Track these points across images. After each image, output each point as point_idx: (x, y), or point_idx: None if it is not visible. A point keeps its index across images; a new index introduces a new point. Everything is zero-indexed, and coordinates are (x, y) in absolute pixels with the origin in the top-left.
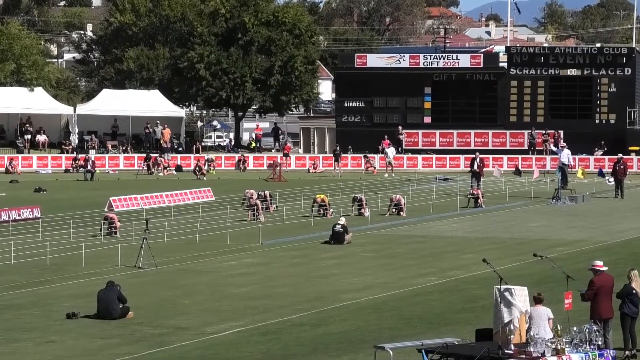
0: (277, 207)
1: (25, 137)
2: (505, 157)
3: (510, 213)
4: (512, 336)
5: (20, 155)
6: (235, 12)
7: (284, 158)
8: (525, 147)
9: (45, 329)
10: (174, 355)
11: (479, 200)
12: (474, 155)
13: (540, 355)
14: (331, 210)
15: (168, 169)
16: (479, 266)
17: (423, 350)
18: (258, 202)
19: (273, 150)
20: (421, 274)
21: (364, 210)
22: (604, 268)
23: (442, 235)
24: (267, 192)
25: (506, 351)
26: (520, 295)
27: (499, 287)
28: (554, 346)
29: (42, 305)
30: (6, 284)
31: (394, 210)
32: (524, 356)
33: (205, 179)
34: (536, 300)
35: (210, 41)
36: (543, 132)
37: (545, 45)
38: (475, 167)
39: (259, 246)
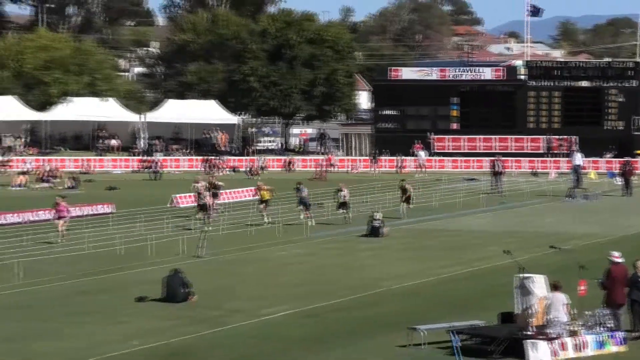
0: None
1: (100, 141)
2: (524, 159)
3: (529, 210)
4: (531, 319)
5: (95, 158)
6: (282, 30)
7: (329, 166)
8: (543, 150)
9: (118, 311)
10: (232, 335)
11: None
12: (495, 158)
13: (557, 336)
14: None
15: (224, 169)
16: (501, 257)
17: (452, 331)
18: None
19: (317, 154)
20: (450, 264)
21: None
22: (621, 260)
23: (469, 230)
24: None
25: (526, 332)
26: (539, 283)
27: (519, 275)
28: (569, 328)
29: (115, 290)
30: (82, 271)
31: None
32: (542, 337)
33: (257, 178)
34: (554, 287)
35: (261, 56)
36: (558, 137)
37: (560, 59)
38: (496, 168)
39: (305, 239)
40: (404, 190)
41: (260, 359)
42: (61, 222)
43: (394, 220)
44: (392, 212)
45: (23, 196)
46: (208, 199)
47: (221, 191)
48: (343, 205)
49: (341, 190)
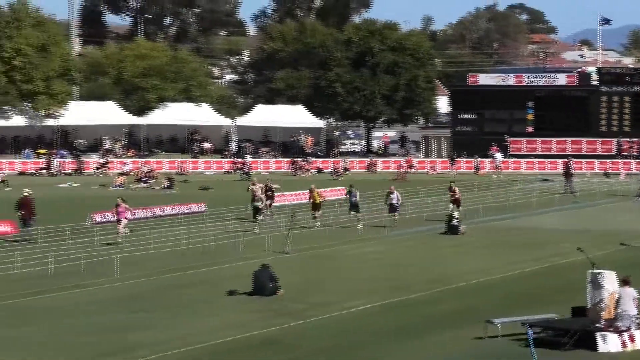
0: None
1: (194, 144)
2: (596, 161)
3: (600, 209)
4: (602, 312)
5: (189, 159)
6: (366, 39)
7: (409, 168)
8: (614, 152)
9: (211, 303)
10: (317, 327)
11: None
12: (567, 160)
13: (626, 328)
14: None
15: (310, 170)
16: (574, 254)
17: (527, 325)
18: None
19: (397, 155)
20: (525, 260)
21: None
22: None
23: (543, 228)
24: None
25: (597, 325)
26: (610, 278)
27: (591, 271)
28: (638, 321)
29: (207, 284)
30: (178, 266)
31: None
32: (612, 329)
33: (341, 179)
34: (624, 282)
35: (345, 64)
36: (628, 140)
37: (631, 66)
38: (569, 169)
39: (387, 236)
40: (453, 192)
41: (344, 350)
42: (122, 223)
43: (472, 219)
44: (471, 211)
45: (122, 196)
46: (264, 201)
47: (276, 194)
48: (392, 208)
49: (392, 193)
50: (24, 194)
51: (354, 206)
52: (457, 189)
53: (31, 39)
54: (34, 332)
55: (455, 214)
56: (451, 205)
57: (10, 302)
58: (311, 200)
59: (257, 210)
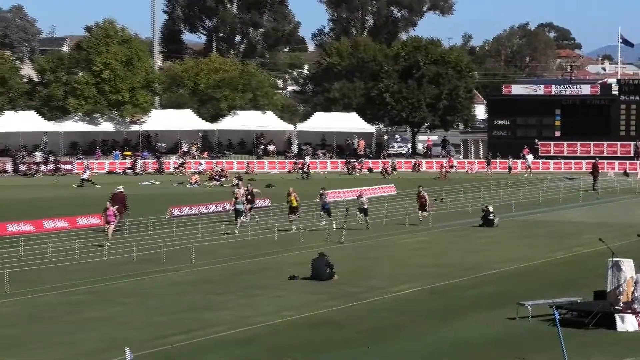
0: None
1: (260, 147)
2: (616, 162)
3: (620, 204)
4: (621, 296)
5: (256, 160)
6: (412, 54)
7: (450, 168)
8: (632, 154)
9: (275, 287)
10: (368, 308)
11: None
12: (593, 161)
13: None
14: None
15: (361, 170)
16: (596, 244)
17: (554, 307)
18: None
19: (440, 157)
20: (553, 249)
21: None
22: None
23: (569, 221)
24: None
25: (616, 307)
26: (628, 266)
27: (611, 259)
28: None
29: (272, 270)
30: (246, 254)
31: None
32: (630, 311)
33: (390, 177)
34: None
35: (394, 76)
36: None
37: None
38: (595, 169)
39: (429, 228)
40: (421, 197)
41: (392, 329)
42: (110, 226)
43: (504, 213)
44: (504, 206)
45: (197, 192)
46: (245, 205)
47: (257, 198)
48: (363, 211)
49: (361, 197)
50: (118, 190)
51: (325, 209)
52: (425, 194)
53: (118, 55)
54: (122, 312)
55: (491, 209)
56: (420, 211)
57: (101, 285)
58: (288, 204)
59: (238, 213)
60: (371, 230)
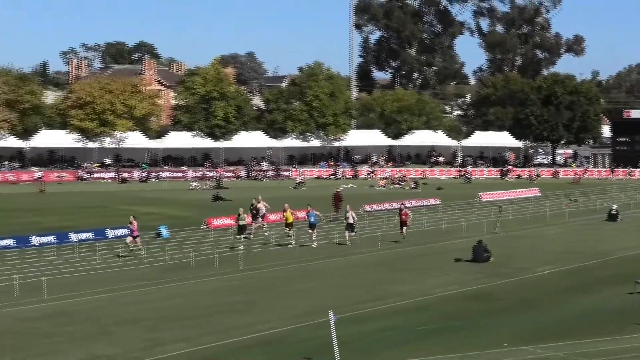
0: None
1: (431, 158)
2: None
3: None
4: None
5: (428, 169)
6: (552, 86)
7: (582, 174)
8: None
9: (440, 267)
10: (516, 284)
11: None
12: None
13: None
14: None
15: (512, 177)
16: None
17: None
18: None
19: (573, 165)
20: None
21: None
22: None
23: None
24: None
25: None
26: None
27: None
28: None
29: (441, 254)
30: (421, 242)
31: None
32: None
33: (534, 182)
34: None
35: (537, 103)
36: None
37: None
38: None
39: (565, 222)
40: (403, 214)
41: (533, 302)
42: (133, 239)
43: (625, 210)
44: (625, 205)
45: (383, 193)
46: (246, 219)
47: (264, 212)
48: (350, 226)
49: (347, 213)
50: (338, 190)
51: (311, 225)
52: (408, 212)
53: (324, 89)
54: (319, 285)
55: (615, 207)
56: (401, 227)
57: (303, 264)
58: (285, 220)
59: (241, 228)
60: (519, 222)
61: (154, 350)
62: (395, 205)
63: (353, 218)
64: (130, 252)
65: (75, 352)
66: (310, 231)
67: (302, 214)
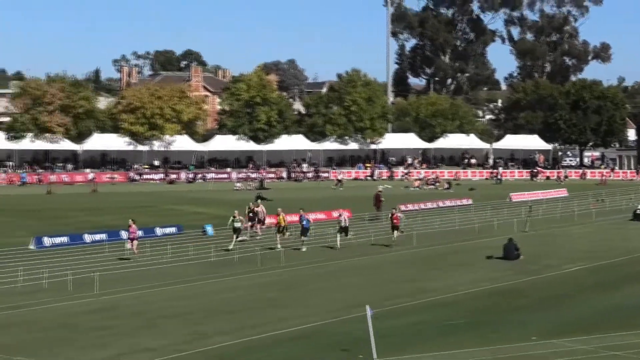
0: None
1: (464, 160)
2: None
3: None
4: None
5: (461, 170)
6: (580, 91)
7: (608, 175)
8: None
9: (472, 264)
10: (545, 281)
11: None
12: None
13: None
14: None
15: (542, 178)
16: None
17: None
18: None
19: (602, 167)
20: None
21: None
22: None
23: None
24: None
25: None
26: None
27: None
28: None
29: (472, 252)
30: (453, 240)
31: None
32: None
33: (562, 183)
34: None
35: (565, 107)
36: None
37: None
38: None
39: (592, 221)
40: (394, 218)
41: (561, 298)
42: (134, 243)
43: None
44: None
45: (418, 193)
46: (244, 222)
47: (260, 217)
48: (344, 230)
49: (341, 215)
50: (378, 190)
51: (304, 230)
52: (399, 215)
53: (361, 94)
54: (355, 281)
55: (639, 206)
56: (393, 232)
57: (340, 262)
58: (277, 225)
59: (235, 230)
60: (548, 222)
61: (196, 343)
62: (430, 205)
63: (345, 221)
64: (170, 251)
65: (120, 344)
66: (302, 237)
67: (296, 218)
